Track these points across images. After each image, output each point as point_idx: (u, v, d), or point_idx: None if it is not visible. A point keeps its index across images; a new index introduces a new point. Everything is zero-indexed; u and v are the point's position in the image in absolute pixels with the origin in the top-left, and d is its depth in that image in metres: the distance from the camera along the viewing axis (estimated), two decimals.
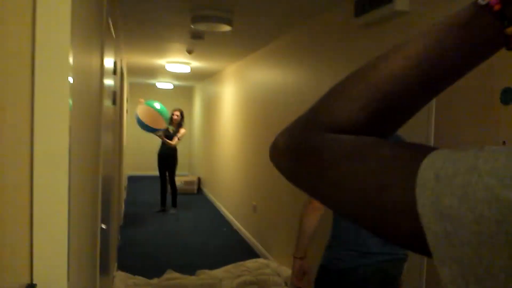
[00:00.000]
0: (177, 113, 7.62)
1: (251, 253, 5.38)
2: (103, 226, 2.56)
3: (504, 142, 1.91)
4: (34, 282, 1.11)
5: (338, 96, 0.52)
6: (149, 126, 6.84)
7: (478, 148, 0.36)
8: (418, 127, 2.45)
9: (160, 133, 7.24)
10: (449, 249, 0.34)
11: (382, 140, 0.46)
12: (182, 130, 7.55)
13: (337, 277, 2.01)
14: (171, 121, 7.50)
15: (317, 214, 2.09)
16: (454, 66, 0.49)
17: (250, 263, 4.56)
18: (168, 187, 7.68)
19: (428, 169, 0.36)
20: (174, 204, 7.65)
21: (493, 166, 0.33)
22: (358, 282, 1.97)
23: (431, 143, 2.32)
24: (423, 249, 0.36)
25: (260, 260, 4.74)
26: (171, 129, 7.48)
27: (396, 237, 0.41)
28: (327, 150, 0.47)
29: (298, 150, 0.51)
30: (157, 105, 6.93)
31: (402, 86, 0.49)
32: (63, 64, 1.13)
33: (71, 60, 1.15)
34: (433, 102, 2.31)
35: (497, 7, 0.44)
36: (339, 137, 0.48)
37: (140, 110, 6.89)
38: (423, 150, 0.38)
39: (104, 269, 2.85)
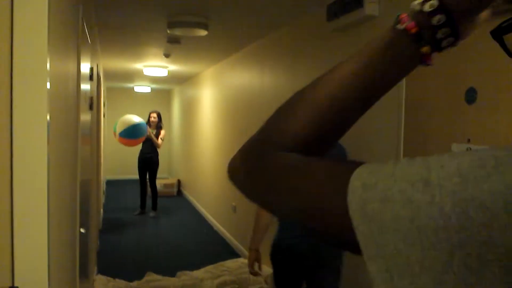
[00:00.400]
0: (154, 115, 7.62)
1: (232, 253, 5.42)
2: (82, 230, 2.57)
3: (468, 140, 2.01)
4: (15, 285, 1.14)
5: (284, 117, 0.59)
6: (136, 129, 6.87)
7: (396, 160, 0.43)
8: (388, 128, 2.54)
9: (147, 133, 7.28)
10: (374, 246, 0.40)
11: (322, 158, 0.53)
12: (162, 132, 7.59)
13: (285, 251, 2.53)
14: (148, 124, 7.50)
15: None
16: (382, 82, 0.58)
17: (231, 263, 4.60)
18: (149, 190, 7.67)
19: (356, 179, 0.42)
20: (154, 207, 7.63)
21: (406, 172, 0.40)
22: (300, 254, 2.49)
23: (401, 142, 2.41)
24: (357, 249, 0.41)
25: (240, 259, 4.78)
26: (150, 131, 7.47)
27: (336, 238, 0.48)
28: (275, 168, 0.54)
29: (251, 168, 0.58)
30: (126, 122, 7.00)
31: (338, 103, 0.57)
32: (40, 70, 1.16)
33: (48, 65, 1.19)
34: (402, 103, 2.40)
35: (413, 31, 0.53)
36: (286, 157, 0.54)
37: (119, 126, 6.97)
38: (354, 165, 0.45)
39: (84, 273, 2.86)
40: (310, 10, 3.51)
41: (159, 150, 7.64)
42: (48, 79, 1.19)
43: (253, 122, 5.03)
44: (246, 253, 5.17)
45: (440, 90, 2.16)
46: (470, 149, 1.99)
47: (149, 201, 7.70)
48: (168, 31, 3.99)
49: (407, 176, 0.39)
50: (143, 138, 7.14)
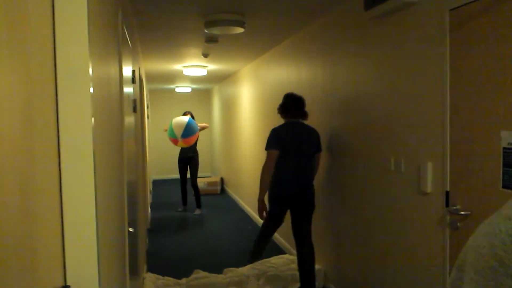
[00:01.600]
0: (188, 115, 7.78)
1: (277, 250, 5.43)
2: (131, 230, 2.64)
3: None
4: (68, 284, 1.18)
5: None
6: (191, 127, 7.26)
7: None
8: (433, 116, 2.46)
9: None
10: None
11: None
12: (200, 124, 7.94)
13: (281, 197, 3.82)
14: None
15: (272, 166, 3.75)
16: None
17: (276, 260, 4.60)
18: (191, 189, 7.88)
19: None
20: (198, 205, 7.83)
21: None
22: (288, 200, 3.82)
23: (447, 129, 2.33)
24: None
25: (286, 256, 4.78)
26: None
27: None
28: None
29: None
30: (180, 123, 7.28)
31: None
32: (83, 75, 1.20)
33: (90, 71, 1.22)
34: (447, 87, 2.32)
35: None
36: None
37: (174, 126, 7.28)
38: None
39: (134, 271, 2.94)
40: (346, 1, 3.45)
41: (199, 149, 7.91)
42: (91, 84, 1.23)
43: None
44: (291, 249, 5.18)
45: (486, 76, 2.07)
46: None
47: (192, 199, 7.87)
48: (206, 31, 4.03)
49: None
50: (198, 133, 7.43)
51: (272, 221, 3.98)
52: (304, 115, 3.84)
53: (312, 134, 3.80)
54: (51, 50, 1.13)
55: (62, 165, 1.16)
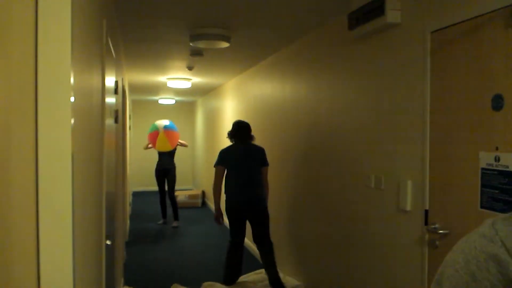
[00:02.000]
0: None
1: (256, 264, 5.39)
2: (108, 242, 2.59)
3: (496, 148, 1.95)
4: None
5: None
6: (172, 125, 7.63)
7: None
8: (413, 137, 2.50)
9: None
10: None
11: None
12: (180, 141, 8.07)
13: (235, 206, 4.39)
14: None
15: (218, 181, 4.49)
16: None
17: (255, 275, 4.57)
18: (169, 201, 7.86)
19: None
20: (176, 218, 7.77)
21: None
22: (238, 208, 4.39)
23: (427, 151, 2.36)
24: None
25: (264, 271, 4.75)
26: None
27: None
28: None
29: None
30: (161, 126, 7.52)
31: None
32: (64, 84, 1.19)
33: (72, 80, 1.21)
34: (427, 112, 2.36)
35: None
36: None
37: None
38: None
39: (111, 285, 2.88)
40: (331, 19, 3.51)
41: (179, 162, 8.00)
42: (72, 93, 1.21)
43: (274, 133, 5.03)
44: None
45: (466, 98, 2.11)
46: (498, 157, 1.94)
47: (170, 211, 7.83)
48: (191, 44, 4.04)
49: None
50: (178, 134, 7.64)
51: (233, 246, 4.40)
52: (250, 138, 4.53)
53: (256, 152, 4.49)
54: (32, 58, 1.12)
55: (40, 174, 1.14)
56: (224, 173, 4.47)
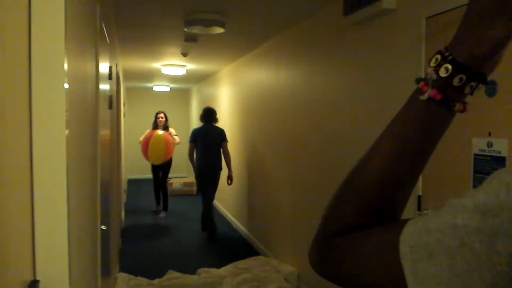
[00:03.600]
0: (162, 115, 7.58)
1: (252, 251, 5.44)
2: (103, 227, 2.61)
3: (489, 134, 1.97)
4: (37, 278, 1.17)
5: (336, 210, 0.62)
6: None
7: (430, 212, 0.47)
8: None
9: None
10: None
11: (372, 229, 0.56)
12: (172, 130, 7.61)
13: (203, 170, 6.01)
14: (156, 124, 7.50)
15: (191, 153, 6.12)
16: (421, 151, 0.58)
17: (251, 261, 4.61)
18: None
19: (404, 245, 0.47)
20: (165, 208, 7.66)
21: (438, 222, 0.44)
22: (200, 174, 6.07)
23: None
24: None
25: (261, 257, 4.80)
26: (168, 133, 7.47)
27: None
28: (339, 251, 0.59)
29: (321, 260, 0.63)
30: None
31: (383, 186, 0.58)
32: (58, 70, 1.19)
33: (66, 66, 1.21)
34: None
35: (439, 97, 0.53)
36: (345, 240, 0.59)
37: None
38: (399, 229, 0.48)
39: (106, 270, 2.91)
40: (326, 6, 3.49)
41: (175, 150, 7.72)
42: (66, 79, 1.21)
43: (270, 120, 5.03)
44: (266, 250, 5.20)
45: None
46: (491, 143, 1.96)
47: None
48: (186, 29, 4.02)
49: (439, 226, 0.43)
50: (173, 145, 7.22)
51: (201, 194, 6.28)
52: (214, 120, 6.19)
53: (216, 131, 6.13)
54: (26, 44, 1.12)
55: (34, 161, 1.15)
56: (194, 147, 6.07)
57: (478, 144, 2.01)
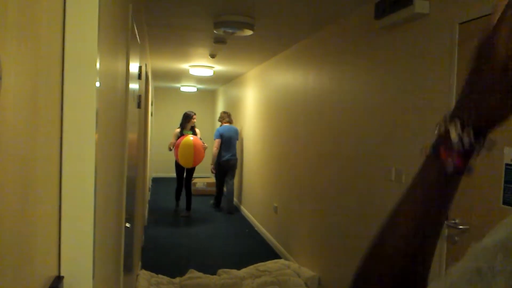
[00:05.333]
0: (195, 116, 7.68)
1: (272, 254, 5.42)
2: (127, 225, 2.64)
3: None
4: (61, 274, 1.18)
5: (364, 272, 0.62)
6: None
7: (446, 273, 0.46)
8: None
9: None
10: None
11: None
12: (198, 131, 7.70)
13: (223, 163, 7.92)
14: (187, 125, 7.59)
15: (218, 148, 7.96)
16: (440, 213, 0.58)
17: (271, 264, 4.59)
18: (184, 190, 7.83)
19: None
20: (188, 207, 7.68)
21: (460, 275, 0.43)
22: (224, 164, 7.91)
23: None
24: None
25: (281, 261, 4.77)
26: (187, 133, 7.51)
27: None
28: None
29: None
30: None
31: (409, 252, 0.57)
32: (90, 69, 1.20)
33: (98, 65, 1.22)
34: (454, 101, 2.31)
35: (462, 166, 0.54)
36: None
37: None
38: None
39: (128, 267, 2.94)
40: (357, 8, 3.45)
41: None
42: (98, 78, 1.23)
43: (296, 123, 5.01)
44: (287, 254, 5.18)
45: None
46: None
47: (184, 201, 7.82)
48: (215, 31, 4.04)
49: (464, 275, 0.42)
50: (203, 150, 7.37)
51: (218, 179, 8.08)
52: (231, 121, 8.05)
53: (235, 131, 7.98)
54: (60, 42, 1.13)
55: (64, 157, 1.16)
56: (220, 143, 7.75)
57: (510, 154, 1.95)
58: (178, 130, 7.52)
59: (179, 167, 7.62)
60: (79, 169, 1.18)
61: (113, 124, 1.77)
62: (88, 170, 1.20)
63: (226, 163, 7.79)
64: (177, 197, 7.92)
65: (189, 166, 7.33)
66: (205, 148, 7.37)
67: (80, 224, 1.19)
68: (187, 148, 7.10)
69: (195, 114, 7.68)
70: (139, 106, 3.45)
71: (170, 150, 7.56)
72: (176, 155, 7.21)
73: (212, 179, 10.56)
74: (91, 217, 1.21)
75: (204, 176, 11.63)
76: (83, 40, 1.18)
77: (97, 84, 1.22)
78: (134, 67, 2.90)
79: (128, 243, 2.85)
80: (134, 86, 2.99)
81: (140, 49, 3.59)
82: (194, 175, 7.88)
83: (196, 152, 7.14)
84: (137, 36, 3.05)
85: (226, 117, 8.01)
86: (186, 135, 7.28)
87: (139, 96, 3.48)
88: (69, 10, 1.16)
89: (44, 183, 1.01)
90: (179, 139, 7.26)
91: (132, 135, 2.92)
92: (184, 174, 7.69)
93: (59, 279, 1.15)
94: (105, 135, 1.51)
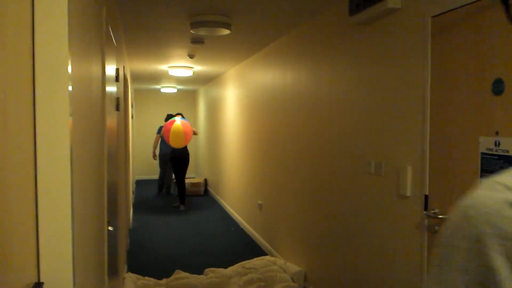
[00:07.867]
0: (179, 116, 8.04)
1: (258, 251, 5.43)
2: (110, 228, 2.62)
3: (497, 133, 1.95)
4: (41, 281, 1.17)
5: None
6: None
7: None
8: (414, 122, 2.50)
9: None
10: None
11: None
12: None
13: (168, 156, 8.85)
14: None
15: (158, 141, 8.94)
16: None
17: (257, 261, 4.61)
18: (172, 187, 8.28)
19: None
20: (182, 201, 8.05)
21: None
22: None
23: (427, 137, 2.36)
24: None
25: (267, 257, 4.79)
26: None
27: None
28: None
29: None
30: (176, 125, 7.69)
31: None
32: (62, 73, 1.19)
33: (69, 69, 1.21)
34: (428, 97, 2.36)
35: None
36: None
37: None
38: None
39: (113, 271, 2.92)
40: (332, 5, 3.48)
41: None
42: (70, 82, 1.22)
43: (276, 120, 5.03)
44: (273, 250, 5.20)
45: (466, 82, 2.10)
46: (499, 142, 1.94)
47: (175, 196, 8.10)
48: (192, 31, 4.03)
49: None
50: (191, 131, 7.82)
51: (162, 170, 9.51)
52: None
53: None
54: (29, 47, 1.12)
55: (38, 162, 1.15)
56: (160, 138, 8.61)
57: (486, 143, 2.00)
58: (158, 135, 8.11)
59: (163, 159, 8.23)
60: (54, 174, 1.18)
61: (89, 128, 1.76)
62: (64, 175, 1.19)
63: (164, 156, 9.29)
64: (161, 187, 8.66)
65: (181, 146, 7.72)
66: (195, 133, 8.01)
67: (58, 229, 1.19)
68: (177, 132, 7.59)
69: (177, 115, 7.99)
70: (117, 108, 3.42)
71: (155, 159, 8.26)
72: (167, 138, 7.63)
73: (197, 179, 10.59)
74: (68, 221, 1.20)
75: (188, 177, 11.59)
76: (53, 44, 1.17)
77: (70, 88, 1.21)
78: (110, 70, 2.88)
79: (112, 246, 2.83)
80: (111, 88, 2.97)
81: (117, 52, 3.56)
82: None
83: (186, 134, 7.63)
84: (113, 39, 3.03)
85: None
86: (174, 121, 7.68)
87: (117, 99, 3.46)
88: (38, 13, 1.15)
89: (19, 190, 1.00)
90: (169, 124, 7.64)
91: (111, 138, 2.89)
92: (174, 170, 8.13)
93: (38, 285, 1.15)
94: (82, 139, 1.50)
